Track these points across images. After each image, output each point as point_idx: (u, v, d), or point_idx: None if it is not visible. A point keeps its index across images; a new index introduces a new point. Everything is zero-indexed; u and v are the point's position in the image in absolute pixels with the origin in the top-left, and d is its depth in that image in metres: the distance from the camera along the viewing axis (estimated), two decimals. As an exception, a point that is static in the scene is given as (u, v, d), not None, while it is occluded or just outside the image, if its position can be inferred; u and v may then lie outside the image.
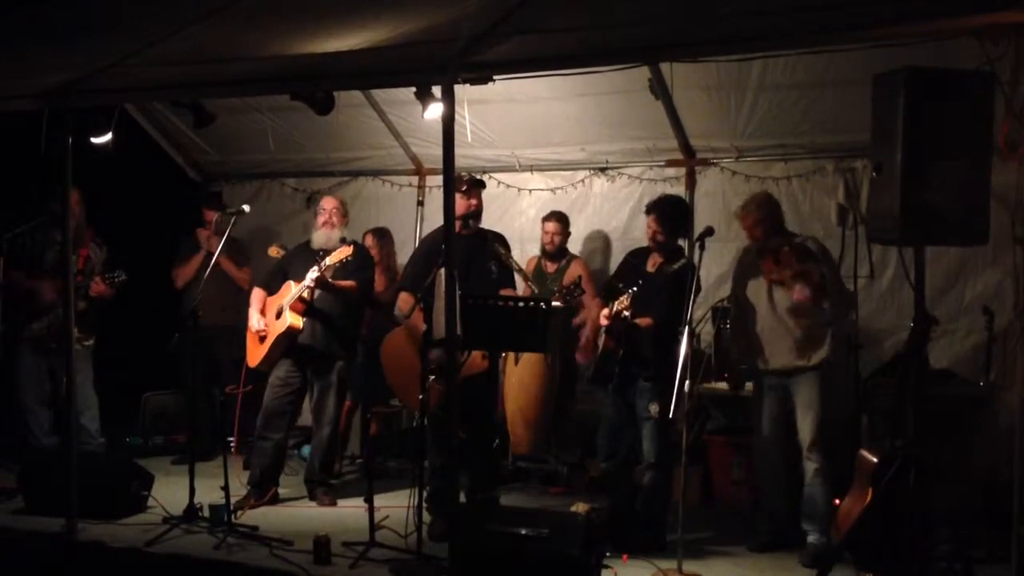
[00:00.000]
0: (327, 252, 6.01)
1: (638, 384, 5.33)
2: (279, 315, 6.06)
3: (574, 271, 6.64)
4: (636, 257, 5.63)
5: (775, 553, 5.31)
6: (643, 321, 5.23)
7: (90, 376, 6.86)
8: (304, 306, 6.04)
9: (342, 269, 6.02)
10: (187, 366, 6.15)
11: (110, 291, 6.64)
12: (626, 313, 5.15)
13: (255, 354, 6.17)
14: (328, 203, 6.36)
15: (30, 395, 6.73)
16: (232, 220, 6.09)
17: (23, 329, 6.71)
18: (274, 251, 6.54)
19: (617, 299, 5.22)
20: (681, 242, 5.67)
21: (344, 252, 5.92)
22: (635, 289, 5.15)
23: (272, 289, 6.22)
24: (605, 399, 5.54)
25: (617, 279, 5.67)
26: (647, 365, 5.28)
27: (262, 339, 6.12)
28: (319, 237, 6.23)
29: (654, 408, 5.22)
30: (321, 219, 6.27)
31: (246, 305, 6.30)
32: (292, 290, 6.03)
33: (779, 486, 5.43)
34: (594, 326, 5.56)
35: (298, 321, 6.01)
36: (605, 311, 5.30)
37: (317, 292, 6.06)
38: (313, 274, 5.89)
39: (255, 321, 6.12)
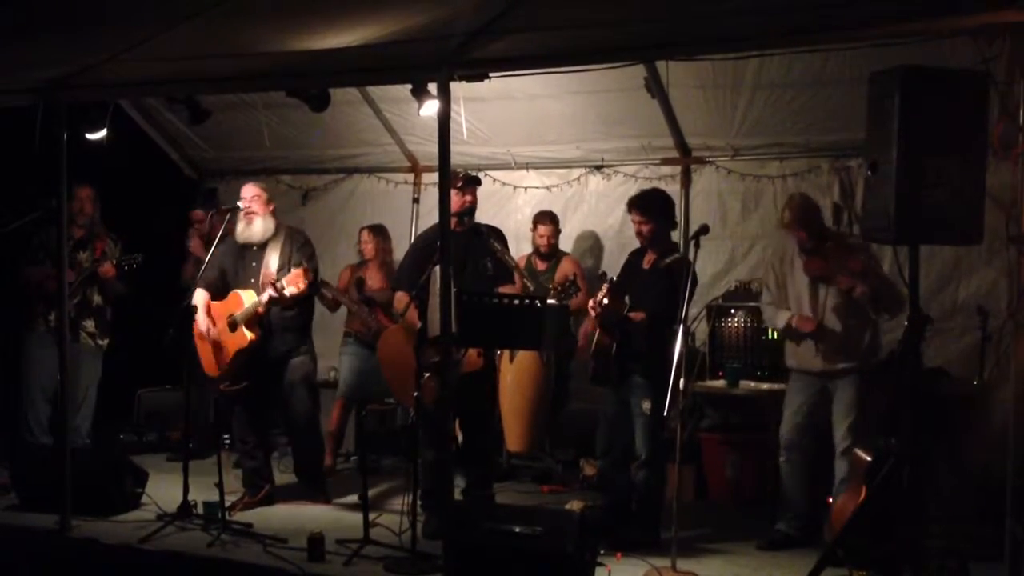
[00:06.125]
0: (253, 246, 5.91)
1: (632, 380, 5.34)
2: (233, 328, 5.88)
3: (565, 268, 6.65)
4: (636, 255, 5.64)
5: (771, 551, 5.29)
6: (636, 315, 5.24)
7: (97, 377, 6.85)
8: (257, 316, 5.89)
9: (289, 265, 5.87)
10: (182, 363, 6.13)
11: (114, 272, 6.60)
12: (605, 300, 5.15)
13: (211, 363, 6.04)
14: (247, 191, 6.00)
15: (36, 390, 6.70)
16: (227, 217, 6.07)
17: (37, 324, 6.70)
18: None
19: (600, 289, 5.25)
20: (675, 239, 5.67)
21: (299, 278, 5.67)
22: (613, 279, 5.18)
23: (215, 291, 6.01)
24: (606, 397, 5.54)
25: (618, 277, 5.68)
26: (640, 360, 5.28)
27: (216, 346, 5.99)
28: (242, 231, 5.98)
29: (647, 405, 5.21)
30: (242, 211, 6.00)
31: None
32: (243, 303, 5.84)
33: (803, 485, 5.38)
34: (590, 325, 5.57)
35: (255, 333, 5.86)
36: (591, 301, 5.32)
37: None
38: (267, 296, 5.73)
39: (204, 327, 5.94)
